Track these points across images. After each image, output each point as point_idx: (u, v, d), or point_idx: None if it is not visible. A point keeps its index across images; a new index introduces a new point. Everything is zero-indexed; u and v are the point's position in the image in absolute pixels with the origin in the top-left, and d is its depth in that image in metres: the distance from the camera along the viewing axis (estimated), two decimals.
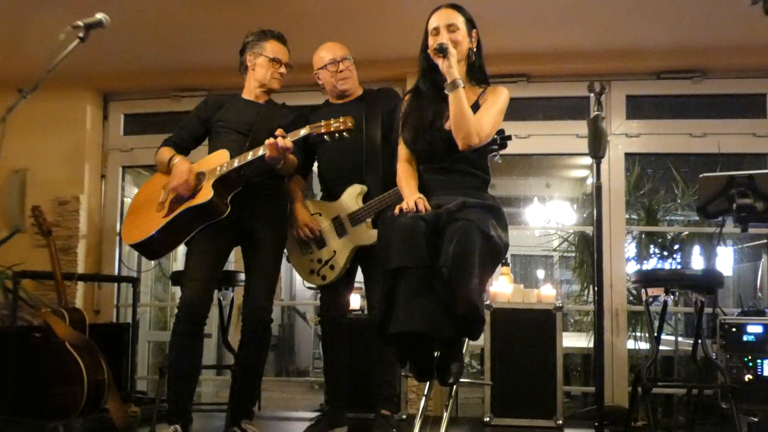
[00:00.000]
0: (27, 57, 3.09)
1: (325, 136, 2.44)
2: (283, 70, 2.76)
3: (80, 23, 2.22)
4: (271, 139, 2.44)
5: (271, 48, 2.74)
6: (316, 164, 2.95)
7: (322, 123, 2.42)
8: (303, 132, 2.46)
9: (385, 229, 2.09)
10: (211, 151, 2.69)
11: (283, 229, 2.76)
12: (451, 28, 2.22)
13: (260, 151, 2.48)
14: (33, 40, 3.31)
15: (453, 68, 2.12)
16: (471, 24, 2.27)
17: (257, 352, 2.71)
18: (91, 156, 4.36)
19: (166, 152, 2.71)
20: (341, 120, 2.39)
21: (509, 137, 2.44)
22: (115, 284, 4.40)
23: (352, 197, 2.70)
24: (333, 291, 2.79)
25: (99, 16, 2.26)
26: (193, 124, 2.79)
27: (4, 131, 2.04)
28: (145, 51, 3.83)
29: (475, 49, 2.27)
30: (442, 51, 2.12)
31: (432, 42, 2.20)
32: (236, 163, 2.51)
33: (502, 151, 2.43)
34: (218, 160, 2.58)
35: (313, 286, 2.84)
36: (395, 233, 2.01)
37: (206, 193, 2.50)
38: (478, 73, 2.32)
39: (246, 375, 2.73)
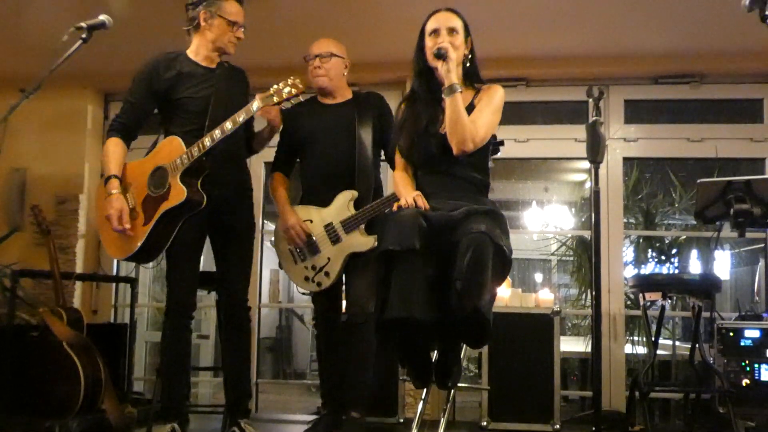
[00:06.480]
0: (29, 57, 3.10)
1: (281, 106, 2.38)
2: (240, 34, 2.59)
3: (83, 24, 2.23)
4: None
5: (230, 9, 2.56)
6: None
7: (272, 91, 2.35)
8: (255, 106, 2.39)
9: (383, 223, 2.10)
10: (165, 127, 2.60)
11: (252, 219, 2.74)
12: (452, 31, 2.21)
13: (217, 134, 2.41)
14: (35, 40, 3.31)
15: (451, 73, 2.11)
16: (467, 30, 2.27)
17: (243, 340, 2.70)
18: (91, 155, 4.35)
19: (112, 153, 2.56)
20: (290, 83, 2.33)
21: (501, 143, 2.42)
22: (113, 284, 4.40)
23: (343, 204, 2.66)
24: (326, 297, 2.76)
25: (102, 17, 2.27)
26: (146, 101, 2.59)
27: (5, 130, 2.05)
28: (146, 51, 3.82)
29: (469, 55, 2.28)
30: (442, 56, 2.12)
31: (431, 44, 2.20)
32: (196, 152, 2.42)
33: (497, 156, 2.43)
34: (174, 151, 2.47)
35: (307, 292, 2.80)
36: (391, 222, 2.03)
37: (180, 192, 2.42)
38: (472, 77, 2.31)
39: (236, 365, 2.70)
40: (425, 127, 2.24)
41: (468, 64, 2.28)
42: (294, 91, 2.34)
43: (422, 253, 1.95)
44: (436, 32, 2.21)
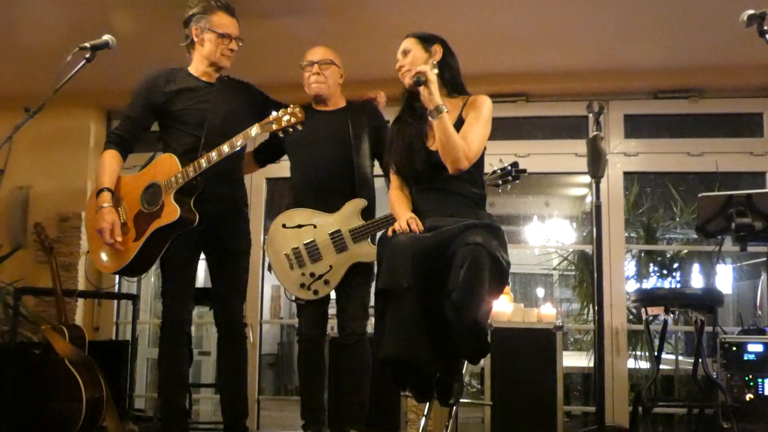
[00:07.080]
0: (33, 76, 3.13)
1: (279, 133, 2.39)
2: (233, 45, 2.58)
3: (87, 44, 2.26)
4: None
5: (219, 22, 2.55)
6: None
7: (272, 118, 2.37)
8: (253, 131, 2.41)
9: (380, 249, 2.12)
10: (163, 142, 2.62)
11: (248, 235, 2.73)
12: (404, 53, 2.29)
13: (214, 156, 2.42)
14: (39, 59, 3.35)
15: (434, 95, 2.11)
16: (426, 42, 2.29)
17: (239, 357, 2.68)
18: (94, 173, 4.35)
19: (108, 166, 2.60)
20: (289, 111, 2.35)
21: (524, 171, 2.45)
22: (115, 301, 4.39)
23: (353, 212, 2.61)
24: (315, 308, 2.70)
25: (106, 37, 2.30)
26: (145, 114, 2.61)
27: (10, 149, 2.07)
28: (149, 69, 3.87)
29: (438, 62, 2.26)
30: (421, 83, 2.14)
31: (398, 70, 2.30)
32: (192, 172, 2.43)
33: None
34: (170, 169, 2.47)
35: (302, 300, 2.71)
36: (386, 254, 2.04)
37: (173, 211, 2.42)
38: (450, 84, 2.30)
39: (232, 382, 2.68)
40: (414, 145, 2.25)
41: (439, 70, 2.26)
42: (293, 120, 2.36)
43: (416, 285, 1.95)
44: (397, 61, 2.31)
